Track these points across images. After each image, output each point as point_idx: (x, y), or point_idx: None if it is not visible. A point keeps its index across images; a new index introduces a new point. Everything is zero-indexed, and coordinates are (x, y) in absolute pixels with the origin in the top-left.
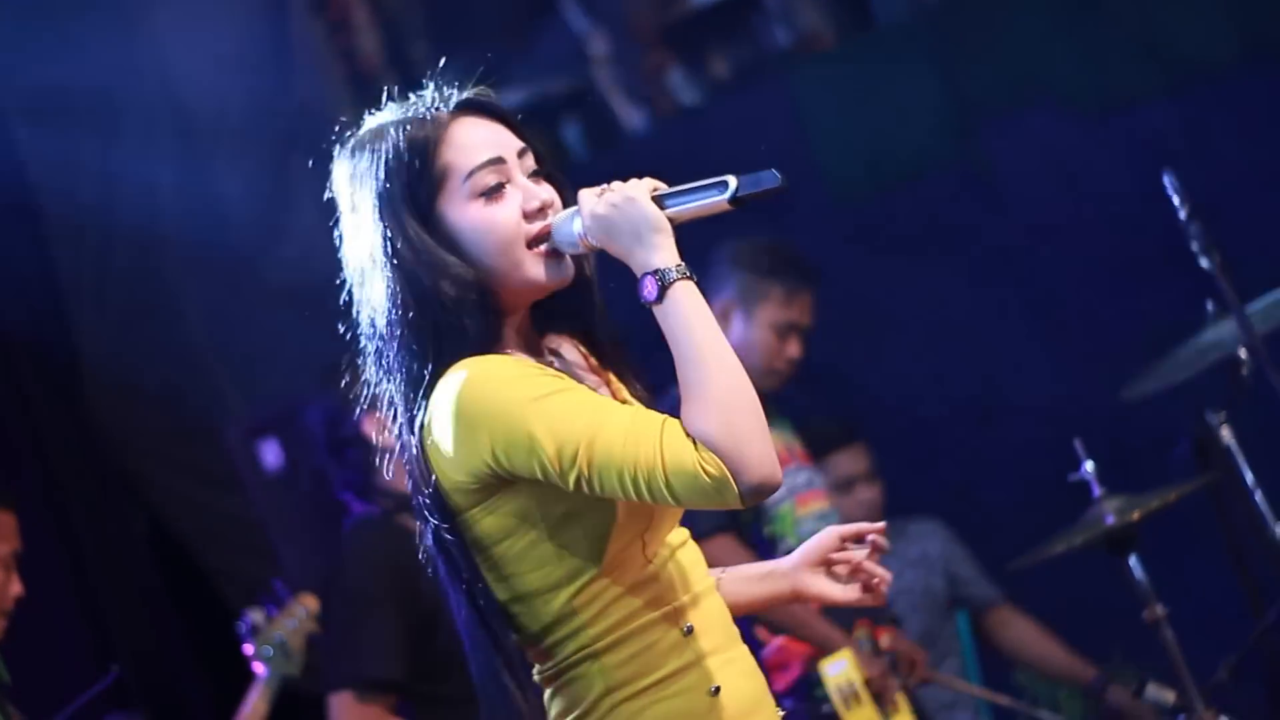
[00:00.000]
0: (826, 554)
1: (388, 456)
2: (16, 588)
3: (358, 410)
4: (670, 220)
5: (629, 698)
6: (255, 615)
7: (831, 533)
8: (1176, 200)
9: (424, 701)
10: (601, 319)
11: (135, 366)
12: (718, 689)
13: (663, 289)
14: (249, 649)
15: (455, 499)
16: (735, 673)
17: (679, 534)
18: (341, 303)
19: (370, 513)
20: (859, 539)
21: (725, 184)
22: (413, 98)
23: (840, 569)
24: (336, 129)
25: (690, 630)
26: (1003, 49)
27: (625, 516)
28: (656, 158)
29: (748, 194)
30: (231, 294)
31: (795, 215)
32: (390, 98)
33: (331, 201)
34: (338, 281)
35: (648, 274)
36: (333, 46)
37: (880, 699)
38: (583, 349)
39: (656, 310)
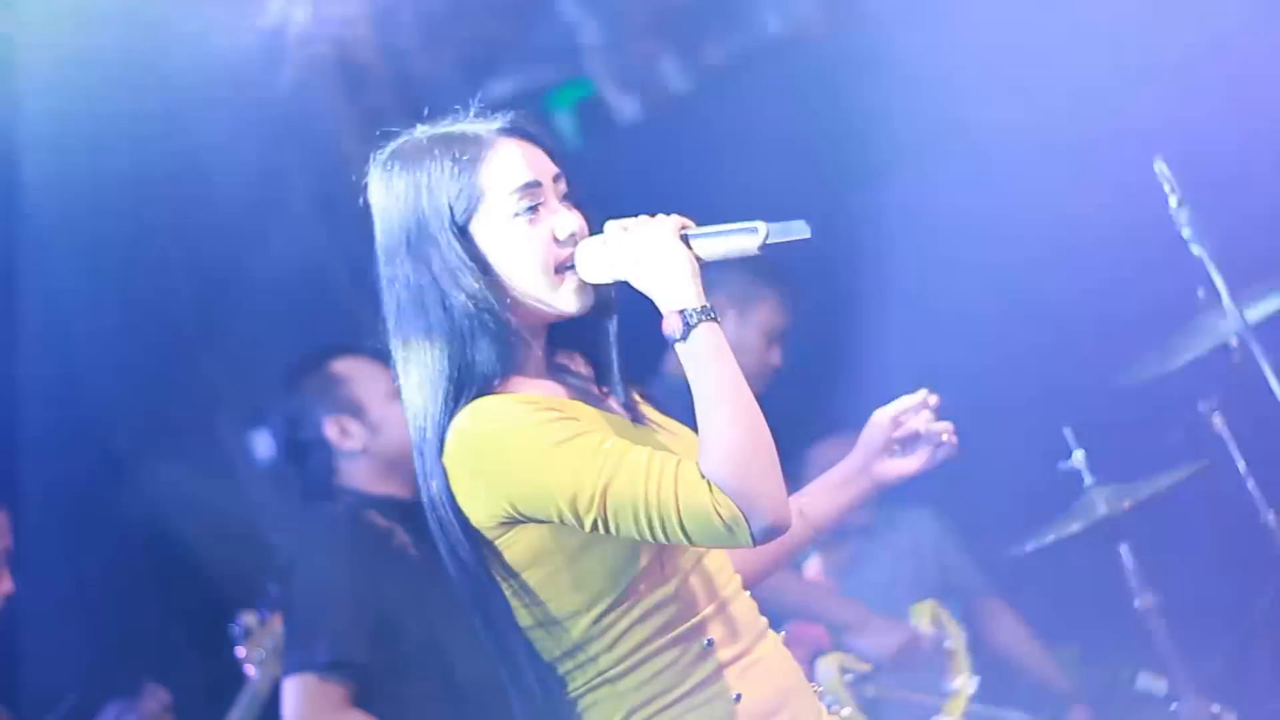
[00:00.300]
0: (887, 438)
1: (349, 458)
2: (7, 585)
3: (318, 413)
4: (697, 259)
5: (652, 716)
6: (248, 618)
7: (882, 419)
8: (1167, 188)
9: (386, 701)
10: (614, 350)
11: (128, 358)
12: (739, 696)
13: (687, 329)
14: (241, 652)
15: (475, 521)
16: (757, 676)
17: (695, 549)
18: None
19: (335, 510)
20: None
21: (755, 230)
22: (452, 115)
23: (904, 443)
24: (378, 135)
25: (710, 644)
26: None
27: (639, 546)
28: (648, 146)
29: (776, 241)
30: (223, 284)
31: (786, 204)
32: (428, 117)
33: (326, 194)
34: (329, 272)
35: (673, 312)
36: (324, 37)
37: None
38: (588, 364)
39: (679, 348)
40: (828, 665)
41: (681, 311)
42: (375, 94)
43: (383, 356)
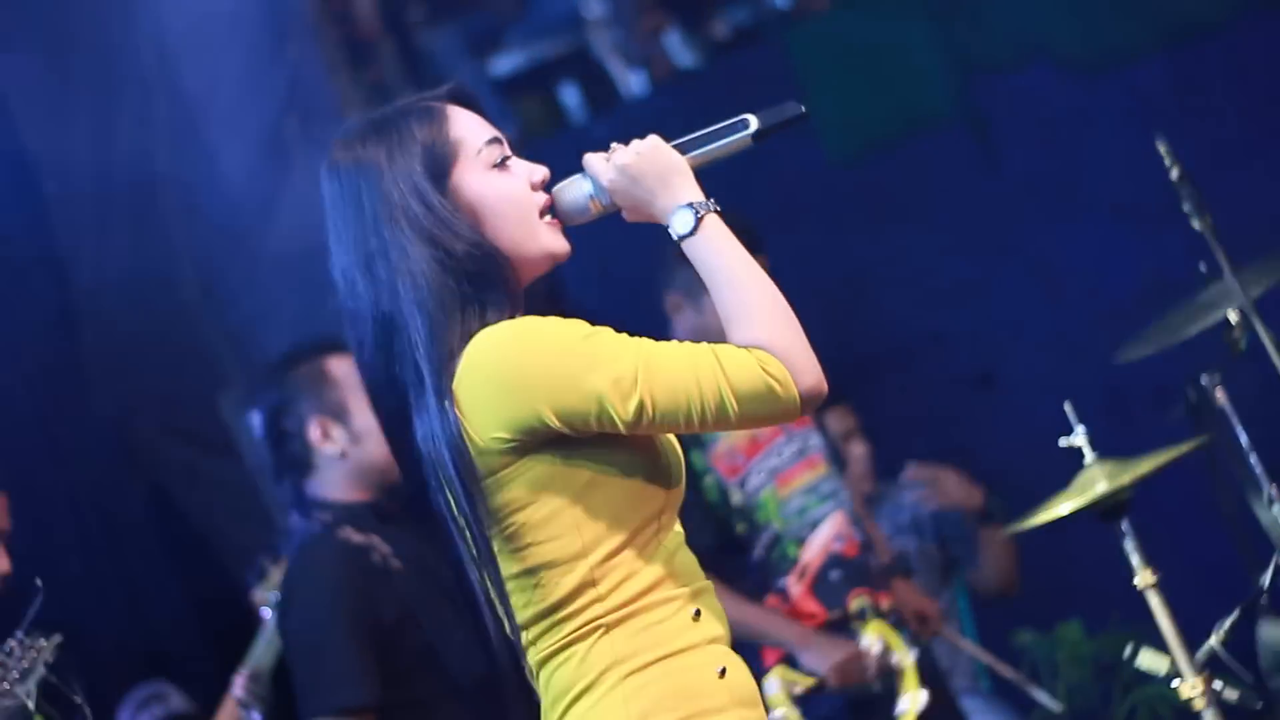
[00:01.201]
0: None
1: (326, 461)
2: (3, 565)
3: (303, 408)
4: (692, 165)
5: (637, 670)
6: (264, 560)
7: None
8: (1167, 162)
9: (390, 708)
10: (565, 298)
11: (133, 335)
12: (724, 670)
13: (697, 221)
14: (257, 595)
15: (481, 463)
16: (738, 663)
17: (679, 534)
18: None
19: (311, 531)
20: None
21: (745, 122)
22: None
23: None
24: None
25: (698, 614)
26: (998, 9)
27: (645, 489)
28: (654, 120)
29: (770, 126)
30: (227, 262)
31: (792, 177)
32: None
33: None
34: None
35: (680, 208)
36: (328, 11)
37: (891, 675)
38: None
39: (688, 243)
40: (773, 679)
41: (690, 204)
42: (380, 68)
43: None
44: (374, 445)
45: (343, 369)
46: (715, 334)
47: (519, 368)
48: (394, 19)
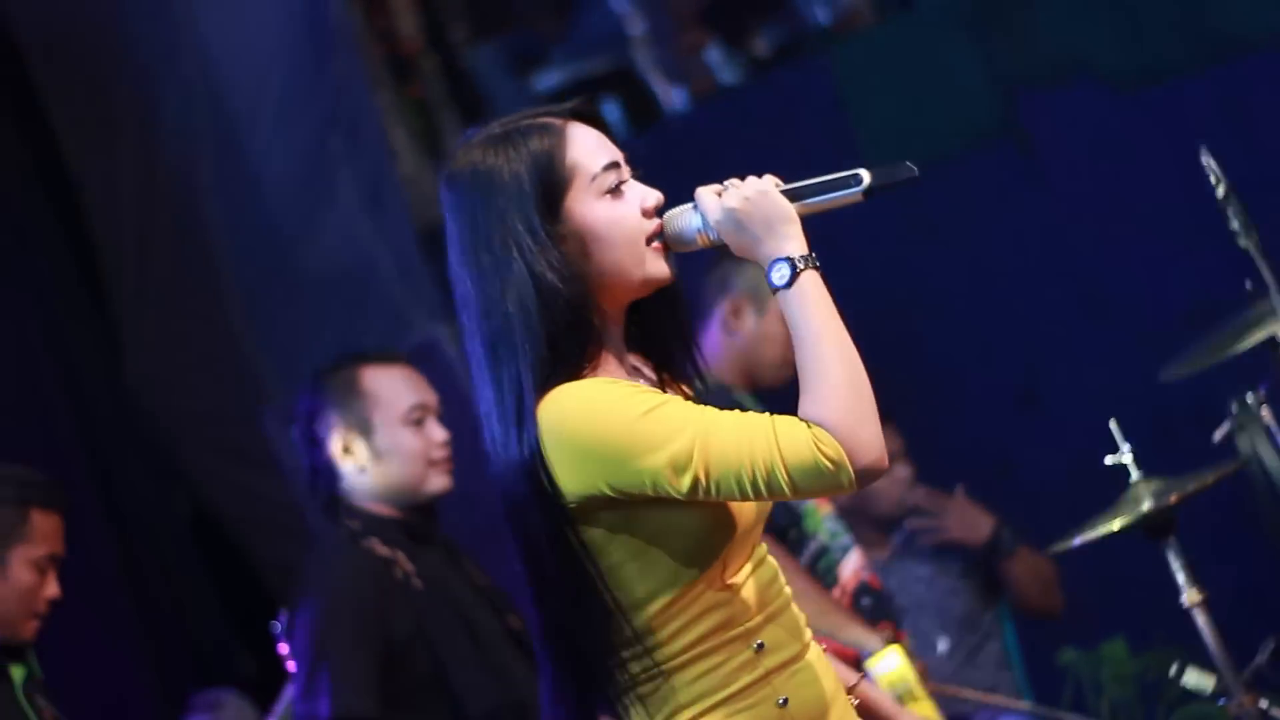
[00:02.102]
0: None
1: (349, 475)
2: (53, 590)
3: (332, 418)
4: (800, 214)
5: (698, 716)
6: (289, 614)
7: None
8: (1213, 179)
9: None
10: (687, 331)
11: (176, 351)
12: (785, 701)
13: (794, 275)
14: (283, 649)
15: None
16: (802, 682)
17: (757, 554)
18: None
19: (337, 536)
20: None
21: (859, 177)
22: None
23: None
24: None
25: (761, 647)
26: (1042, 25)
27: (708, 538)
28: (696, 137)
29: (883, 184)
30: (271, 278)
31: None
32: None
33: (372, 188)
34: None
35: (780, 260)
36: (371, 28)
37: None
38: (653, 366)
39: (782, 296)
40: (893, 655)
41: (789, 258)
42: (423, 84)
43: (424, 356)
44: (397, 466)
45: (378, 382)
46: (777, 341)
47: (580, 439)
48: (437, 36)
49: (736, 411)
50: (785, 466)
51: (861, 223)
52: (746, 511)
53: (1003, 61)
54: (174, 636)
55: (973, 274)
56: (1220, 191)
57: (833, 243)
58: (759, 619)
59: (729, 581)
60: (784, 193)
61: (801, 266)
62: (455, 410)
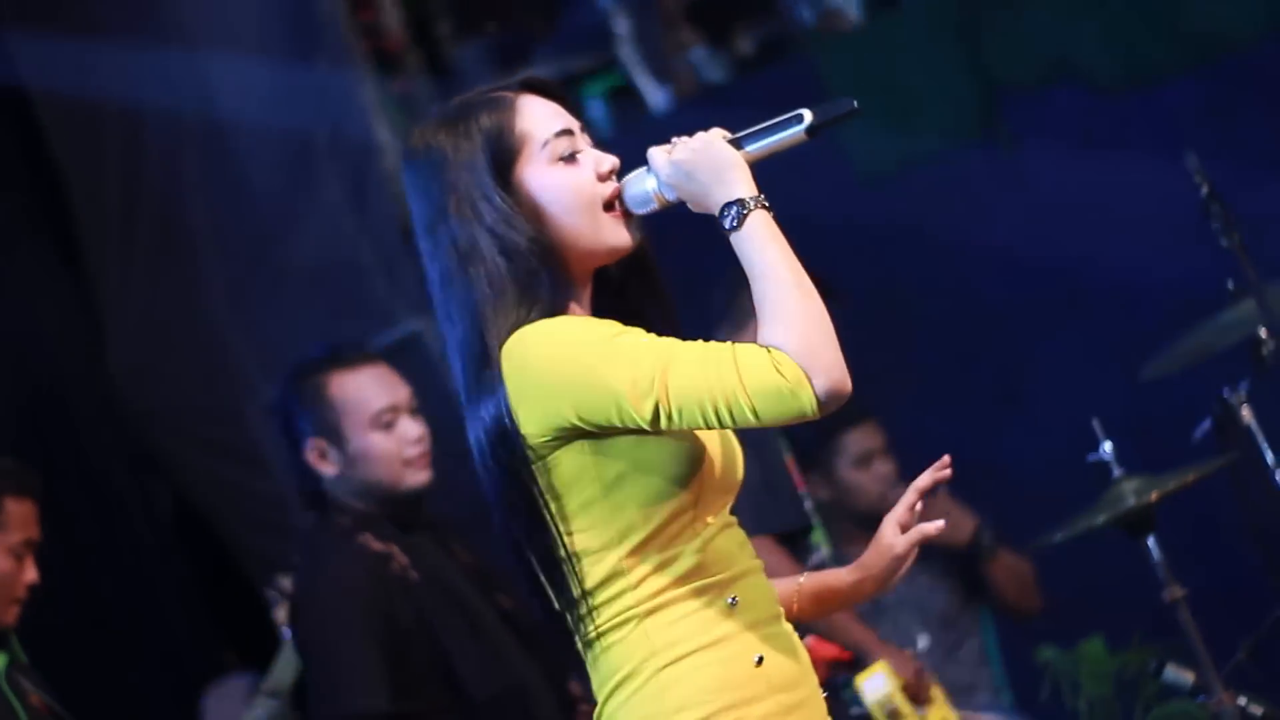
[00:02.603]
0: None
1: (328, 479)
2: (30, 575)
3: (304, 424)
4: (747, 159)
5: (672, 662)
6: (284, 580)
7: (885, 547)
8: (1196, 179)
9: (401, 718)
10: (664, 298)
11: (160, 344)
12: (761, 659)
13: (742, 217)
14: (278, 614)
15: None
16: (778, 647)
17: (725, 517)
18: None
19: (329, 534)
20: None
21: (800, 116)
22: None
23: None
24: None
25: (734, 601)
26: (1026, 26)
27: (676, 484)
28: (680, 136)
29: (824, 121)
30: (254, 271)
31: (819, 195)
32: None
33: (356, 183)
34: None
35: (729, 203)
36: (357, 24)
37: (917, 699)
38: None
39: (734, 237)
40: (877, 676)
41: (738, 200)
42: (408, 80)
43: (407, 350)
44: (370, 468)
45: (344, 389)
46: None
47: (544, 369)
48: (422, 31)
49: (700, 341)
50: (746, 390)
51: (845, 221)
52: (714, 451)
53: (987, 62)
54: (154, 628)
55: (955, 273)
56: (1203, 192)
57: (818, 244)
58: (731, 573)
59: (698, 529)
60: (730, 141)
61: (751, 208)
62: (438, 404)
